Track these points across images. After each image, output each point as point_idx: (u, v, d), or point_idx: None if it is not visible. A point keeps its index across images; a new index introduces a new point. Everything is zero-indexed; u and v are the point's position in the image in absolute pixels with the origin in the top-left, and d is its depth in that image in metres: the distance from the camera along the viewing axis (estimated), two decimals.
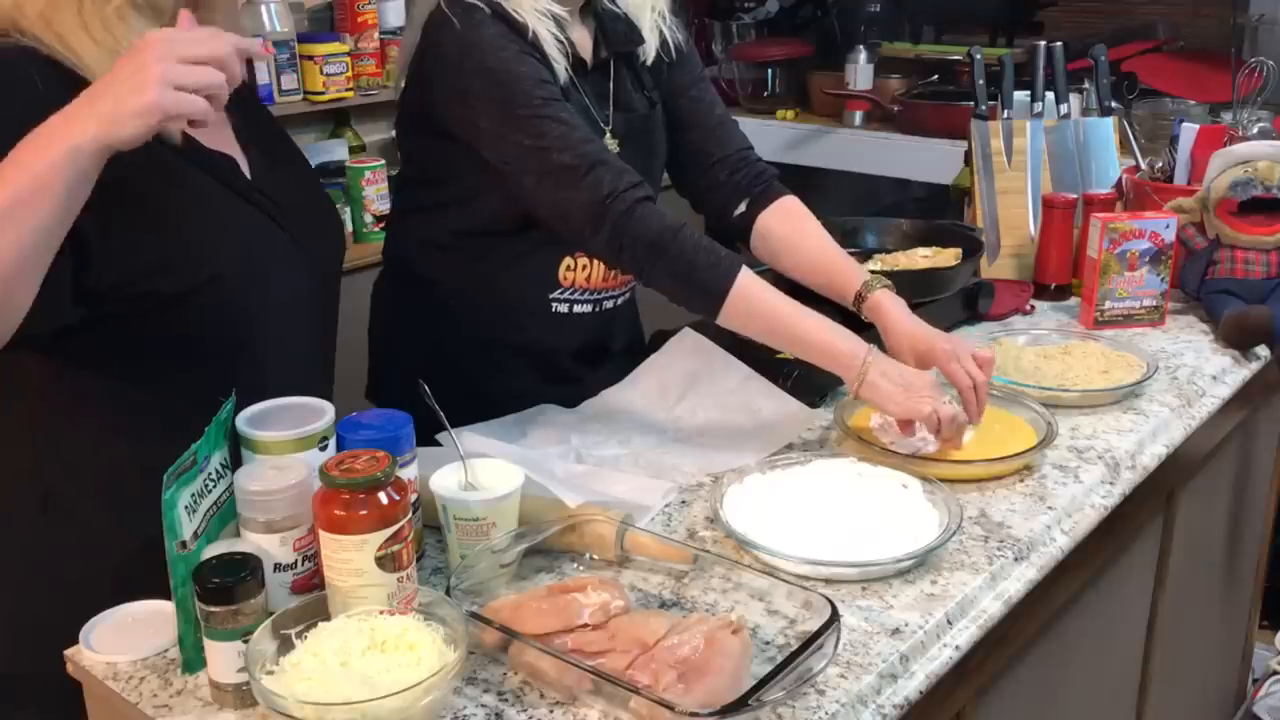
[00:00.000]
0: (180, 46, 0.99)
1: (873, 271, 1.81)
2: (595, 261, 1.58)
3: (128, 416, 1.23)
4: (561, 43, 1.47)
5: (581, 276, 1.59)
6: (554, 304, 1.59)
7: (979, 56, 2.18)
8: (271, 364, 1.26)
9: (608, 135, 1.55)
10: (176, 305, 1.18)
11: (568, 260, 1.57)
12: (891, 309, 1.49)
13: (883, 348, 1.44)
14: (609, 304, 1.64)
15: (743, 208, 1.65)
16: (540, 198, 1.44)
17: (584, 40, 1.56)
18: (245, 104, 1.34)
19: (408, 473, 1.14)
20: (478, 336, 1.60)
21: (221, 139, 1.28)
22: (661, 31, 1.62)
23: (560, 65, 1.47)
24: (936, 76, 3.29)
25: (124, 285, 1.12)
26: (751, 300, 1.39)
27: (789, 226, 1.63)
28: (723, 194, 1.67)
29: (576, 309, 1.60)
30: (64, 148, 0.98)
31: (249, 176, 1.28)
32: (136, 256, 1.12)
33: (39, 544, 1.25)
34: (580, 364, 1.65)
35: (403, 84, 1.55)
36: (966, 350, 1.43)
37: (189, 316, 1.20)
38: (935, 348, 1.42)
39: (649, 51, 1.61)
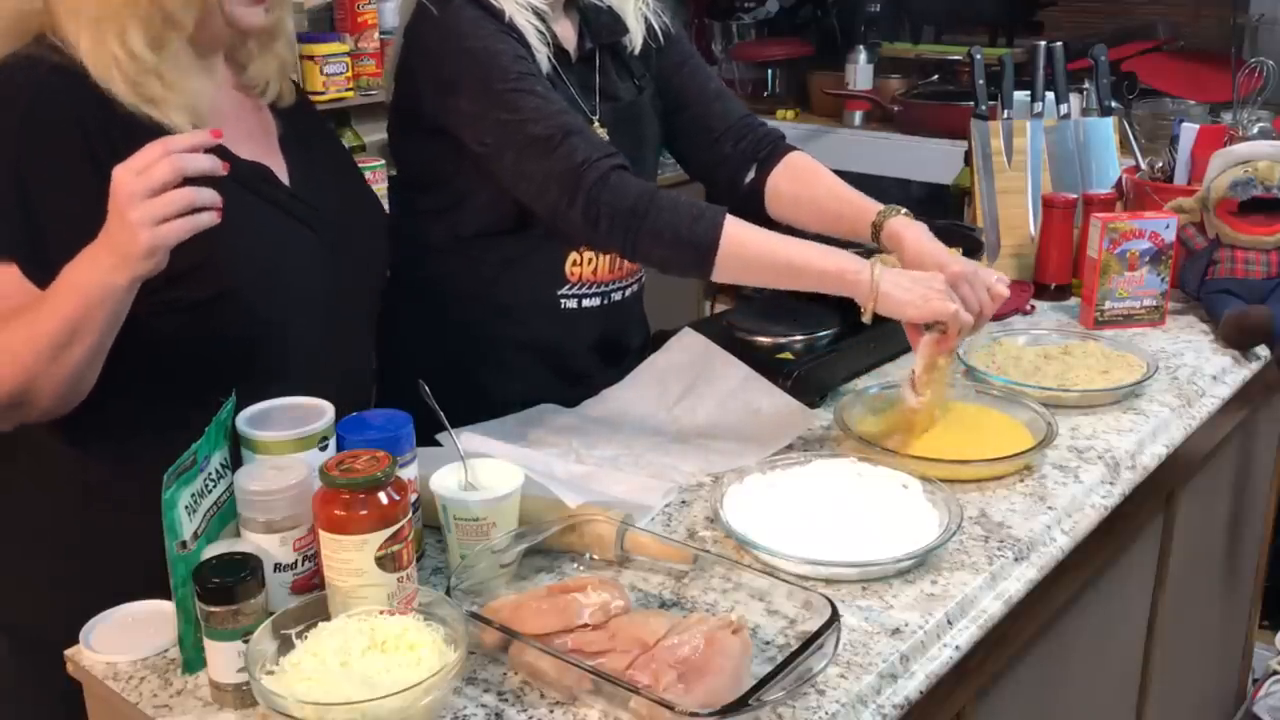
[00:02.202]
0: (141, 185, 1.05)
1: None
2: (600, 254, 1.58)
3: (146, 413, 1.24)
4: (542, 33, 1.48)
5: (588, 270, 1.58)
6: (563, 300, 1.59)
7: (979, 56, 2.18)
8: (295, 364, 1.30)
9: (596, 125, 1.55)
10: (195, 310, 1.22)
11: (573, 255, 1.57)
12: (908, 233, 1.44)
13: None
14: (617, 296, 1.64)
15: (752, 174, 1.63)
16: (518, 173, 1.43)
17: (568, 33, 1.56)
18: (293, 114, 1.40)
19: (408, 473, 1.14)
20: (486, 338, 1.60)
21: (261, 149, 1.32)
22: (647, 18, 1.62)
23: (542, 55, 1.47)
24: (936, 76, 3.30)
25: (146, 294, 1.14)
26: (744, 244, 1.35)
27: (798, 180, 1.61)
28: (731, 166, 1.65)
29: (585, 303, 1.60)
30: (102, 285, 1.09)
31: (287, 184, 1.32)
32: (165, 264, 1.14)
33: (74, 519, 1.28)
34: (596, 362, 1.65)
35: (392, 89, 1.55)
36: (982, 280, 1.38)
37: (209, 322, 1.23)
38: (949, 269, 1.37)
39: (635, 40, 1.61)
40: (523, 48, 1.45)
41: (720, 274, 1.36)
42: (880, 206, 1.49)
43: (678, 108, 1.67)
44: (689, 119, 1.67)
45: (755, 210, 1.63)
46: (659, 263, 1.40)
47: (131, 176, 1.05)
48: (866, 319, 1.36)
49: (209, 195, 1.08)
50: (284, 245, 1.30)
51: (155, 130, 1.17)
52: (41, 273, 1.13)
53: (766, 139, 1.65)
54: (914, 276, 1.35)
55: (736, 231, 1.35)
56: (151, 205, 1.05)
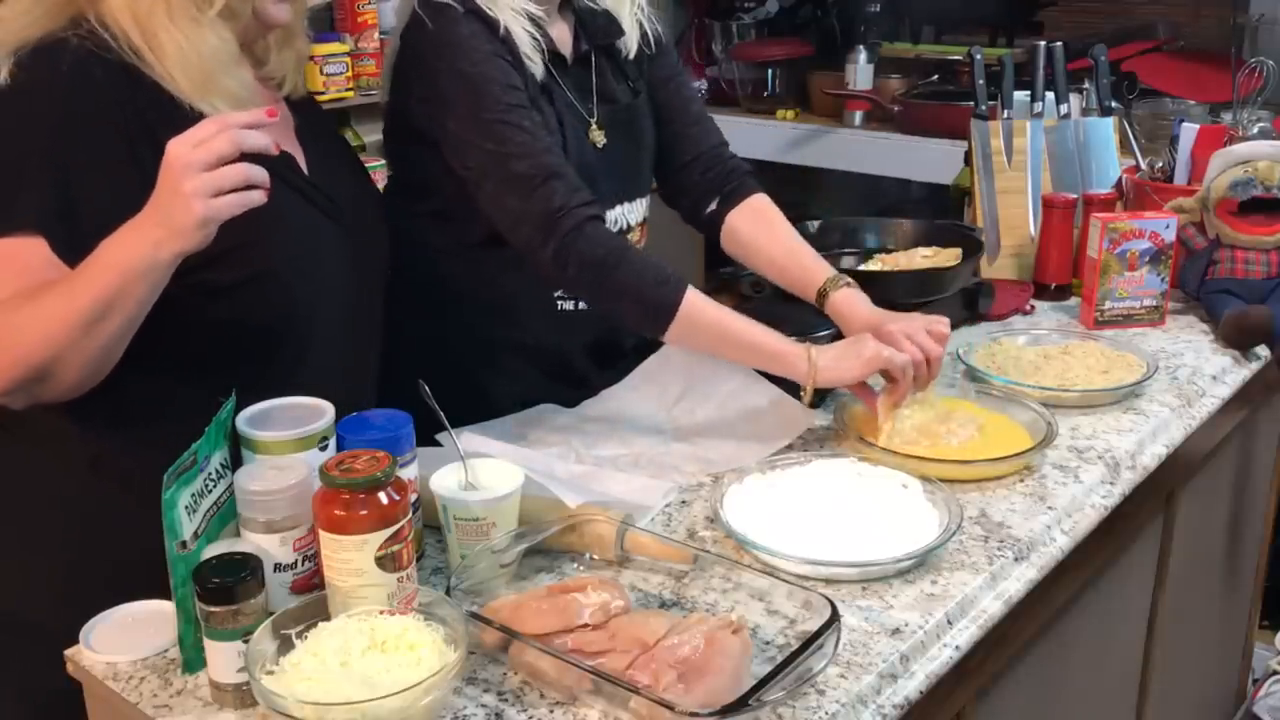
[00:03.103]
0: (199, 157, 1.06)
1: (867, 271, 1.82)
2: None
3: (168, 397, 1.25)
4: (537, 40, 1.48)
5: None
6: (559, 301, 1.59)
7: (979, 56, 2.18)
8: (317, 349, 1.32)
9: (593, 127, 1.56)
10: (227, 294, 1.23)
11: None
12: (849, 305, 1.51)
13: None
14: None
15: (714, 205, 1.67)
16: (497, 205, 1.45)
17: (564, 35, 1.57)
18: (304, 106, 1.42)
19: (408, 473, 1.14)
20: (481, 339, 1.60)
21: (282, 137, 1.32)
22: (641, 23, 1.63)
23: (537, 62, 1.48)
24: (936, 76, 3.29)
25: (179, 275, 1.14)
26: (700, 314, 1.41)
27: (756, 225, 1.64)
28: (694, 194, 1.68)
29: (581, 305, 1.60)
30: (145, 259, 1.08)
31: (306, 172, 1.34)
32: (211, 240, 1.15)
33: (88, 506, 1.28)
34: (593, 363, 1.65)
35: (388, 90, 1.56)
36: (919, 326, 1.43)
37: (238, 305, 1.24)
38: (883, 329, 1.43)
39: (630, 44, 1.62)
40: (515, 70, 1.45)
41: (672, 337, 1.43)
42: (830, 273, 1.55)
43: (658, 122, 1.68)
44: (665, 137, 1.69)
45: (711, 240, 1.69)
46: (618, 315, 1.46)
47: (188, 149, 1.06)
48: (807, 400, 1.42)
49: (261, 173, 1.09)
50: (310, 232, 1.32)
51: (190, 114, 1.18)
52: (73, 252, 1.13)
53: (734, 173, 1.68)
54: (844, 345, 1.42)
55: (695, 301, 1.41)
56: (208, 178, 1.05)
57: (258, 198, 1.09)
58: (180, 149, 1.06)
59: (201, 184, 1.05)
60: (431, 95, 1.46)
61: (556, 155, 1.44)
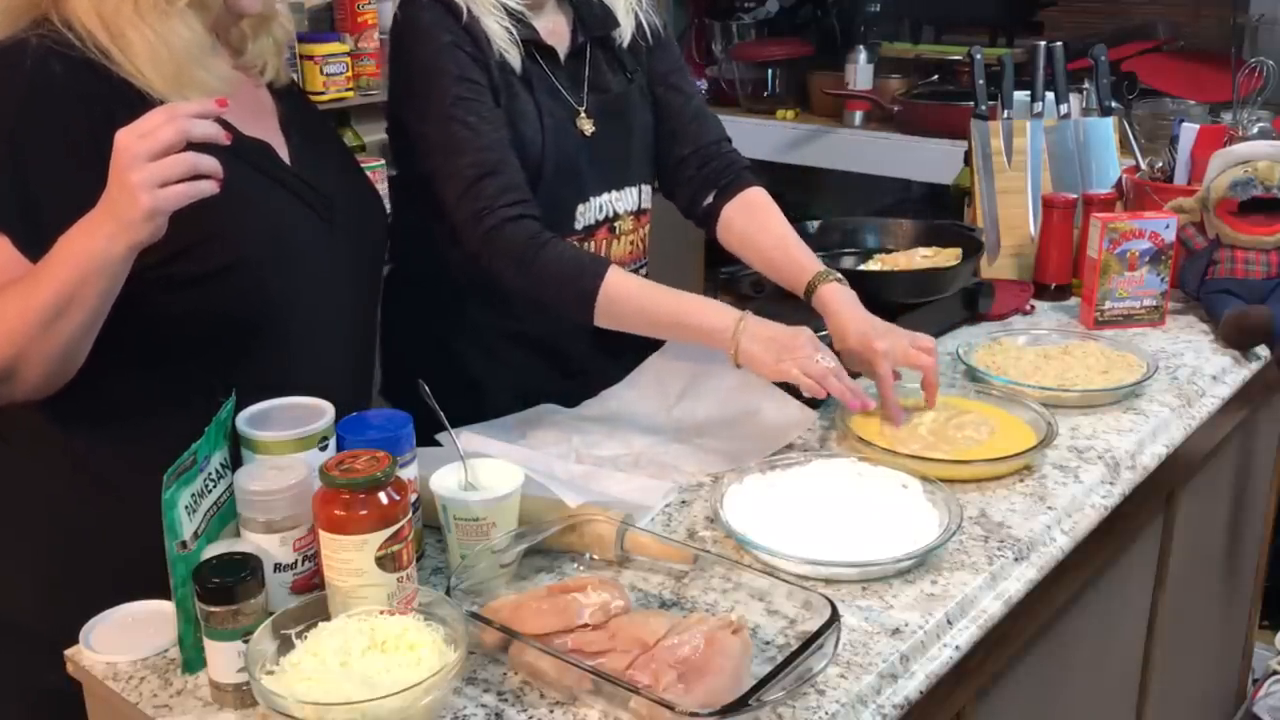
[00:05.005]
0: (144, 147, 1.05)
1: (867, 271, 1.82)
2: (594, 243, 1.60)
3: (146, 393, 1.25)
4: (511, 32, 1.49)
5: None
6: None
7: (979, 56, 2.18)
8: (297, 345, 1.30)
9: (581, 115, 1.57)
10: (199, 285, 1.22)
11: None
12: (835, 300, 1.50)
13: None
14: None
15: (710, 199, 1.67)
16: (445, 198, 1.47)
17: (560, 27, 1.58)
18: (290, 96, 1.41)
19: (408, 473, 1.14)
20: (480, 329, 1.61)
21: (262, 126, 1.32)
22: (637, 15, 1.65)
23: (513, 55, 1.49)
24: (936, 76, 3.29)
25: (148, 267, 1.14)
26: (623, 297, 1.42)
27: (749, 218, 1.65)
28: (692, 187, 1.69)
29: None
30: (99, 253, 1.07)
31: (288, 162, 1.33)
32: (163, 239, 1.14)
33: (71, 505, 1.27)
34: (592, 354, 1.65)
35: (387, 93, 1.58)
36: (903, 345, 1.43)
37: (212, 297, 1.23)
38: (870, 347, 1.41)
39: (624, 34, 1.63)
40: (475, 60, 1.46)
41: (601, 320, 1.44)
42: (819, 268, 1.54)
43: (657, 118, 1.69)
44: (663, 132, 1.69)
45: (708, 233, 1.69)
46: (551, 306, 1.47)
47: (135, 139, 1.05)
48: (735, 366, 1.40)
49: (210, 163, 1.08)
50: (289, 222, 1.30)
51: (158, 105, 1.17)
52: (36, 248, 1.13)
53: (731, 168, 1.68)
54: (774, 335, 1.38)
55: (617, 283, 1.42)
56: (154, 168, 1.04)
57: (208, 187, 1.08)
58: (127, 139, 1.05)
59: (148, 175, 1.04)
60: (403, 88, 1.49)
61: (497, 152, 1.45)
